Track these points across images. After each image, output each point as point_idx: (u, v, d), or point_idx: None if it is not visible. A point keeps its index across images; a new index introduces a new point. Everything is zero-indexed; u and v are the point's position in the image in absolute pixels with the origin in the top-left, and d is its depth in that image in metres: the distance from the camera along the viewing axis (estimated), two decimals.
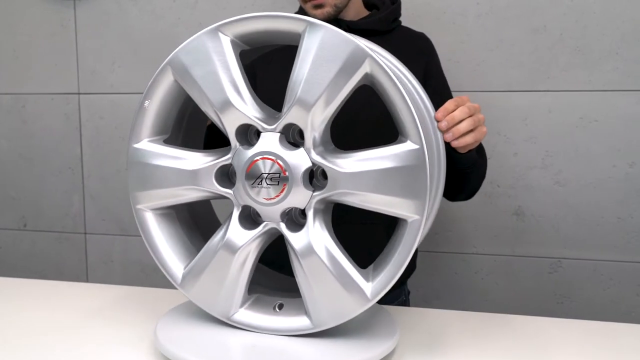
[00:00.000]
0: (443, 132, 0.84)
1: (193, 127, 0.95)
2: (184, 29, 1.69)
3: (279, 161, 0.76)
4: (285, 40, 0.81)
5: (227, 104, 0.78)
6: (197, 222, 0.94)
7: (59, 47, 1.78)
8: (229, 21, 0.78)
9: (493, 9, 1.50)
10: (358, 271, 0.78)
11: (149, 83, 0.83)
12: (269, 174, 0.76)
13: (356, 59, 0.73)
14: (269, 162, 0.76)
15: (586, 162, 1.50)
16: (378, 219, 0.92)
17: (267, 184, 0.76)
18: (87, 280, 1.89)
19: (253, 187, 0.77)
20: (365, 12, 1.17)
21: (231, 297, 0.82)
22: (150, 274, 1.84)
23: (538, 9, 1.47)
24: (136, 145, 0.84)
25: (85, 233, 1.86)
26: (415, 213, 0.73)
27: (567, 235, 1.53)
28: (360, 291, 0.77)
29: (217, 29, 0.79)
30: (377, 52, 0.86)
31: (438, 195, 0.85)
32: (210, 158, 0.81)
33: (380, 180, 0.74)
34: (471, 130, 0.85)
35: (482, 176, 1.07)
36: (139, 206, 0.85)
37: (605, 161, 1.48)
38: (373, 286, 0.77)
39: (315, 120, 0.75)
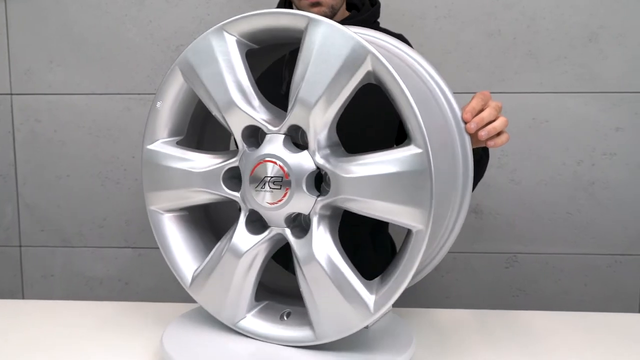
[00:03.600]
0: (471, 134, 0.79)
1: (216, 127, 0.91)
2: (132, 26, 1.59)
3: (281, 164, 0.73)
4: (290, 38, 0.78)
5: (231, 105, 0.75)
6: (214, 225, 0.91)
7: None
8: (233, 20, 0.76)
9: (451, 12, 1.53)
10: (362, 282, 0.74)
11: (160, 83, 0.81)
12: (271, 177, 0.73)
13: (357, 56, 0.69)
14: (271, 165, 0.74)
15: (538, 160, 1.57)
16: (362, 221, 0.90)
17: (270, 188, 0.74)
18: (22, 297, 1.73)
19: (257, 190, 0.75)
20: (346, 14, 1.16)
21: (237, 303, 0.80)
22: (95, 288, 1.72)
23: (493, 14, 1.52)
24: (149, 147, 0.83)
25: (20, 246, 1.71)
26: (420, 223, 0.68)
27: (522, 231, 1.60)
28: (363, 304, 0.72)
29: (222, 27, 0.76)
30: (392, 46, 0.87)
31: (459, 204, 0.81)
32: (219, 160, 0.79)
33: (383, 186, 0.69)
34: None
35: (482, 173, 1.08)
36: (152, 207, 0.85)
37: (556, 160, 1.56)
38: (376, 299, 0.72)
39: (316, 122, 0.72)
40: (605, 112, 1.53)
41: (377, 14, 1.16)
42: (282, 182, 0.73)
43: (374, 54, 0.68)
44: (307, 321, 0.77)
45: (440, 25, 1.54)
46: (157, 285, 1.70)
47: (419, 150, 0.67)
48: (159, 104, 0.81)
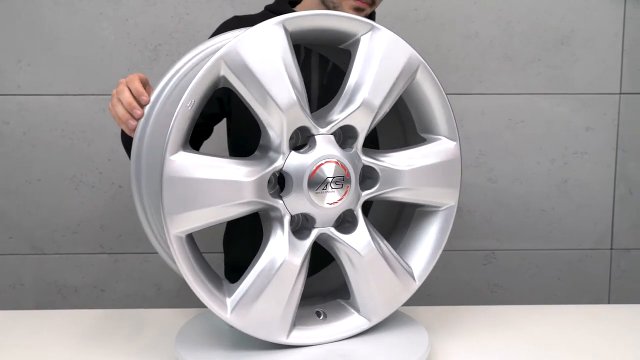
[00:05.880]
0: None
1: None
2: (107, 25, 1.54)
3: (342, 163, 0.75)
4: (331, 41, 0.80)
5: (293, 105, 0.73)
6: None
7: None
8: (298, 15, 0.74)
9: (430, 15, 1.56)
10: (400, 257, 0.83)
11: (195, 80, 0.69)
12: (333, 177, 0.75)
13: (412, 64, 0.79)
14: (333, 165, 0.75)
15: (514, 159, 1.62)
16: None
17: (332, 188, 0.75)
18: None
19: (317, 192, 0.74)
20: None
21: (289, 317, 0.76)
22: (68, 296, 1.65)
23: (470, 17, 1.56)
24: (173, 157, 0.69)
25: None
26: (452, 200, 0.86)
27: (499, 228, 1.65)
28: (408, 276, 0.83)
29: (282, 22, 0.73)
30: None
31: None
32: (260, 167, 0.73)
33: (432, 174, 0.83)
34: None
35: None
36: (176, 232, 0.70)
37: (530, 159, 1.62)
38: (416, 270, 0.84)
39: (374, 122, 0.78)
40: (577, 112, 1.60)
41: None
42: (344, 181, 0.75)
43: (424, 64, 0.80)
44: (346, 311, 0.82)
45: (420, 28, 1.57)
46: (135, 291, 1.65)
47: (454, 143, 0.86)
48: (190, 103, 0.69)
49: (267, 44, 0.71)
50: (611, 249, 1.67)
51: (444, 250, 1.66)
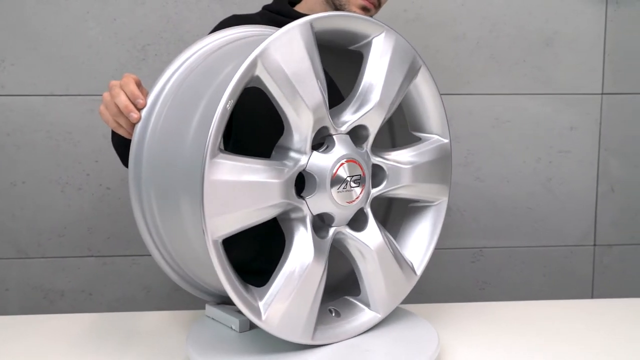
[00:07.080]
0: None
1: None
2: (94, 24, 1.52)
3: (359, 162, 0.77)
4: (343, 42, 0.81)
5: (320, 105, 0.73)
6: None
7: None
8: (326, 15, 0.74)
9: (419, 16, 1.58)
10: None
11: (236, 79, 0.66)
12: (352, 176, 0.76)
13: (415, 65, 0.82)
14: (352, 165, 0.76)
15: (501, 159, 1.65)
16: None
17: (351, 187, 0.76)
18: None
19: (339, 192, 0.75)
20: None
21: (313, 317, 0.75)
22: (55, 301, 1.62)
23: (458, 19, 1.59)
24: (216, 160, 0.66)
25: None
26: (444, 195, 0.90)
27: (487, 226, 1.68)
28: (410, 268, 0.85)
29: (311, 22, 0.72)
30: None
31: None
32: (286, 167, 0.72)
33: (430, 171, 0.86)
34: None
35: None
36: (216, 236, 0.67)
37: (517, 158, 1.66)
38: (415, 262, 0.87)
39: (383, 121, 0.80)
40: (561, 112, 1.64)
41: None
42: (361, 179, 0.77)
43: (425, 65, 0.84)
44: (356, 307, 0.83)
45: (410, 29, 1.58)
46: (123, 295, 1.63)
47: (446, 141, 0.90)
48: (230, 104, 0.66)
49: (299, 44, 0.71)
50: (594, 245, 1.71)
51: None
